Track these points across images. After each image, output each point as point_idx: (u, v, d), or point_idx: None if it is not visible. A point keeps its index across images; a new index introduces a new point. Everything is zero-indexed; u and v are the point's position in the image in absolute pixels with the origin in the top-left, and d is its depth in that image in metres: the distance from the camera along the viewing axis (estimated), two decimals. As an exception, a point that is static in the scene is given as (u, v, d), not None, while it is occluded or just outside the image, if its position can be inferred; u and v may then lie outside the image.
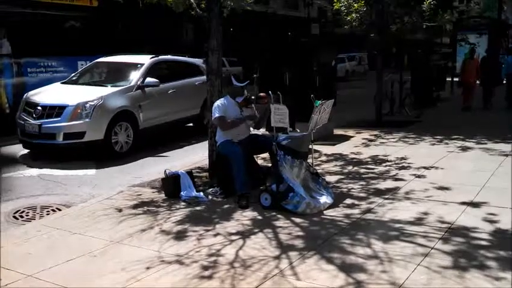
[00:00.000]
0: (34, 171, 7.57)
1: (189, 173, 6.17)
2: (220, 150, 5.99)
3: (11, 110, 10.86)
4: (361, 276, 3.70)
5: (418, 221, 4.87)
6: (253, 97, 6.07)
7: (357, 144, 9.16)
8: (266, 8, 28.63)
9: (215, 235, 4.65)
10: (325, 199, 5.43)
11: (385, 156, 7.94)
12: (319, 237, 4.52)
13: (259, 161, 6.63)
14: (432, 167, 7.11)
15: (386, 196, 5.74)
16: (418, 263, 3.90)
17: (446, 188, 5.99)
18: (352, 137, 9.95)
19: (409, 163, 7.40)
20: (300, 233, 4.65)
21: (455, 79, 17.12)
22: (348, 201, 5.58)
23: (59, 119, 8.16)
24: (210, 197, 5.86)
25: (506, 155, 7.71)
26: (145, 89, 9.14)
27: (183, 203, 5.66)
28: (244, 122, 5.97)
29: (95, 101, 8.28)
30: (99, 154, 8.24)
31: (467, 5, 24.16)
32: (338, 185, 6.28)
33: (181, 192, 5.86)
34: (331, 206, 5.35)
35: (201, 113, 10.53)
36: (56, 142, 8.15)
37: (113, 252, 4.33)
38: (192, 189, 5.92)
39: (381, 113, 11.87)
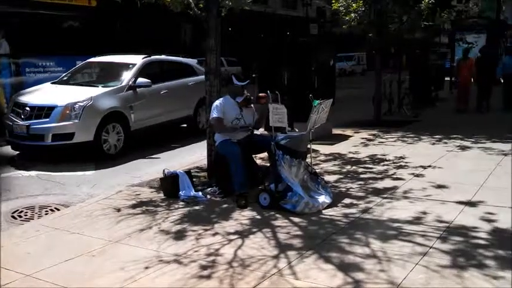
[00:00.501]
0: (33, 172, 7.55)
1: (188, 172, 6.17)
2: (219, 149, 5.99)
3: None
4: (359, 276, 3.70)
5: (417, 220, 4.88)
6: (252, 97, 6.07)
7: (355, 143, 9.17)
8: (264, 7, 28.66)
9: (214, 235, 4.65)
10: (323, 198, 5.44)
11: (384, 155, 7.95)
12: (317, 237, 4.52)
13: (258, 161, 6.64)
14: (430, 166, 7.12)
15: (385, 195, 5.74)
16: (417, 262, 3.90)
17: (445, 187, 6.00)
18: (351, 136, 9.96)
19: (407, 162, 7.41)
20: (299, 233, 4.66)
21: (452, 79, 17.11)
22: (347, 200, 5.58)
23: (48, 120, 7.97)
24: (208, 196, 5.86)
25: (505, 154, 7.72)
26: (137, 89, 8.98)
27: (181, 203, 5.66)
28: (238, 128, 5.94)
29: (85, 102, 8.11)
30: (89, 156, 8.10)
31: (465, 5, 24.17)
32: (337, 184, 6.29)
33: (180, 192, 5.85)
34: (329, 206, 5.35)
35: (194, 114, 10.51)
36: (44, 143, 7.97)
37: (111, 251, 4.33)
38: (190, 189, 5.92)
39: (380, 113, 11.88)
